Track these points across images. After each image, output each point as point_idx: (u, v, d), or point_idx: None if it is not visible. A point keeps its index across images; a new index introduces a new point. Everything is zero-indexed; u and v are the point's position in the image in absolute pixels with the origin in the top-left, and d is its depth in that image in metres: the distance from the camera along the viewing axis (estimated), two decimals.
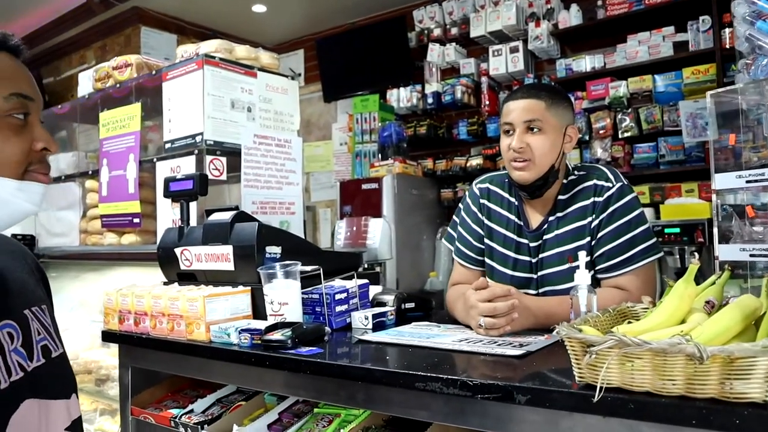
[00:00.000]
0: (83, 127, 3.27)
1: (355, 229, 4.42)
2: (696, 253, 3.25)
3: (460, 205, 1.96)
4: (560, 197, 1.74)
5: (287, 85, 2.69)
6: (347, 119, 5.42)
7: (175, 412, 1.72)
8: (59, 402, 1.01)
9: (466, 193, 1.95)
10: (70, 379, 1.07)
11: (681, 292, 1.06)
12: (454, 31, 5.02)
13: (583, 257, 1.30)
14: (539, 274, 1.74)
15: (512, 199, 1.82)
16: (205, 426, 1.59)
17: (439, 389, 1.07)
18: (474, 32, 4.77)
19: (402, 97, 5.16)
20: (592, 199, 1.68)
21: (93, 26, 5.83)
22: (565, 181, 1.75)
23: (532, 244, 1.76)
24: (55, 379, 1.02)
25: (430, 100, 5.00)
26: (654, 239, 1.65)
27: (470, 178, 4.54)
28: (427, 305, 1.87)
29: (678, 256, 3.46)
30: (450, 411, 1.12)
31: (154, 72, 2.59)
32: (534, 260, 1.75)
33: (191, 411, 1.70)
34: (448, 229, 2.00)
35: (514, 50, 4.62)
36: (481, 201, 1.87)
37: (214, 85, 2.37)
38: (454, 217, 1.98)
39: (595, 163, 3.11)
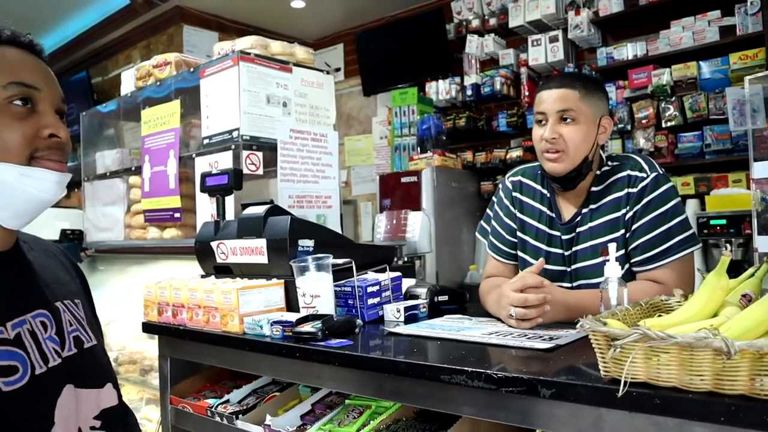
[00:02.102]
0: (130, 124, 3.37)
1: (394, 222, 4.42)
2: (728, 245, 3.14)
3: (494, 198, 1.94)
4: (593, 189, 1.70)
5: (323, 80, 2.70)
6: (387, 113, 5.42)
7: (212, 401, 1.76)
8: (91, 391, 1.05)
9: (500, 186, 1.93)
10: (104, 369, 1.11)
11: (713, 285, 1.03)
12: (492, 21, 4.95)
13: (613, 250, 1.28)
14: (573, 267, 1.71)
15: (544, 191, 1.80)
16: (240, 416, 1.62)
17: (464, 382, 1.07)
18: (513, 22, 4.70)
19: (441, 89, 5.13)
20: (626, 191, 1.64)
21: (137, 26, 6.01)
22: (598, 172, 1.71)
23: (564, 237, 1.73)
24: (87, 368, 1.06)
25: (469, 92, 4.96)
26: (691, 230, 1.60)
27: (510, 170, 4.48)
28: (461, 298, 1.86)
29: (725, 249, 3.36)
30: (476, 404, 1.11)
31: (192, 69, 2.64)
32: (567, 253, 1.72)
33: (227, 401, 1.74)
34: (482, 222, 1.98)
35: (553, 40, 4.53)
36: (514, 194, 1.85)
37: (250, 80, 2.40)
38: (488, 210, 1.96)
39: (638, 153, 3.04)
